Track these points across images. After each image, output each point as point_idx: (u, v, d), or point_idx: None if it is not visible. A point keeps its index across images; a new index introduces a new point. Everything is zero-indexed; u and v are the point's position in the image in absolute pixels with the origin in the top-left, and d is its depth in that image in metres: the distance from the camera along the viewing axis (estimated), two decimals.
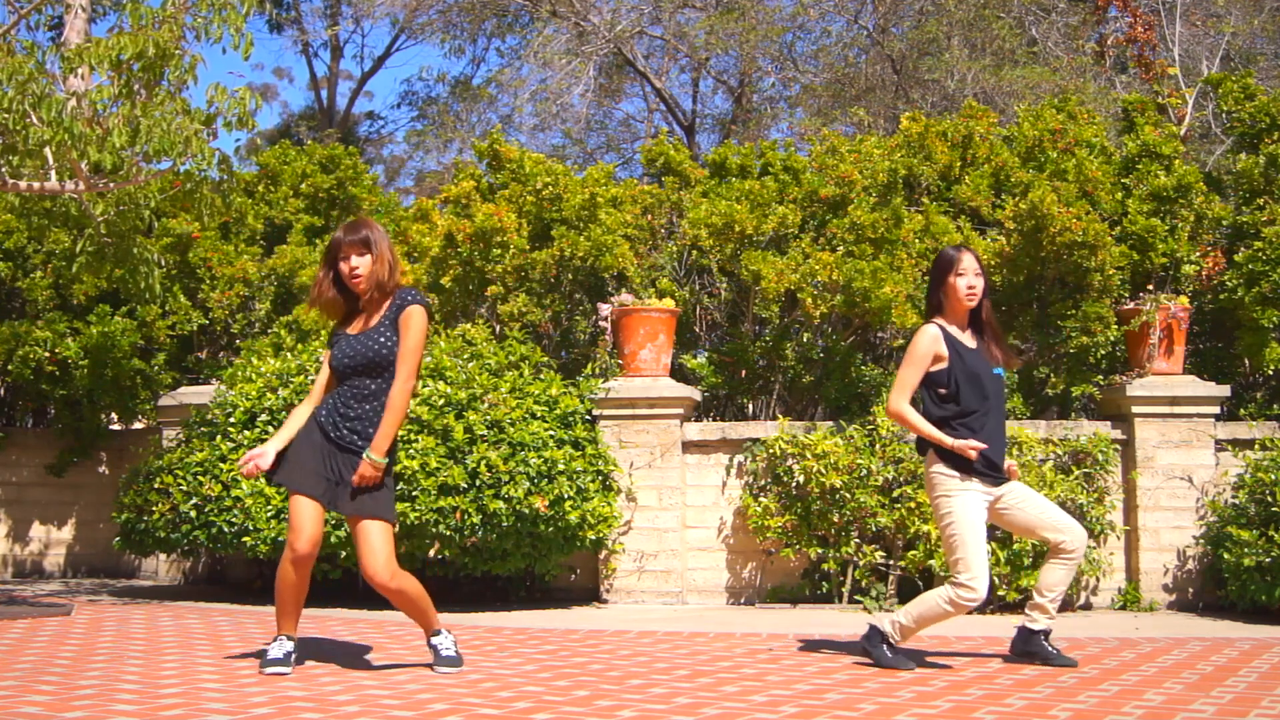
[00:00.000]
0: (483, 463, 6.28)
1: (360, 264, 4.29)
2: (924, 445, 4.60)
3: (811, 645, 5.15)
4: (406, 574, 4.31)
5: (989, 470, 4.51)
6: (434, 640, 4.38)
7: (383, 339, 4.28)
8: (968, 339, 4.63)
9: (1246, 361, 7.65)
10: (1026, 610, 4.74)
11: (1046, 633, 4.69)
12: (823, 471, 6.76)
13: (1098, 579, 7.00)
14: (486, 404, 6.54)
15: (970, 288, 4.55)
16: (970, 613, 4.55)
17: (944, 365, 4.54)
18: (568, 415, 6.85)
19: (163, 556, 8.11)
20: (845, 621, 6.16)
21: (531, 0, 17.45)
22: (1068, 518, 4.62)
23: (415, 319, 4.27)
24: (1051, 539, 4.59)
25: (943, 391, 4.55)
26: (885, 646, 4.53)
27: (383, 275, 4.29)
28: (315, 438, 4.26)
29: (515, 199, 8.01)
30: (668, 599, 7.06)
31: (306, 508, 4.18)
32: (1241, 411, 7.50)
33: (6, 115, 5.49)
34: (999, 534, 6.59)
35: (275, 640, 4.26)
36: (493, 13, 18.99)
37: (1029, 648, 4.69)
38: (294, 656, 4.24)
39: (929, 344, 4.55)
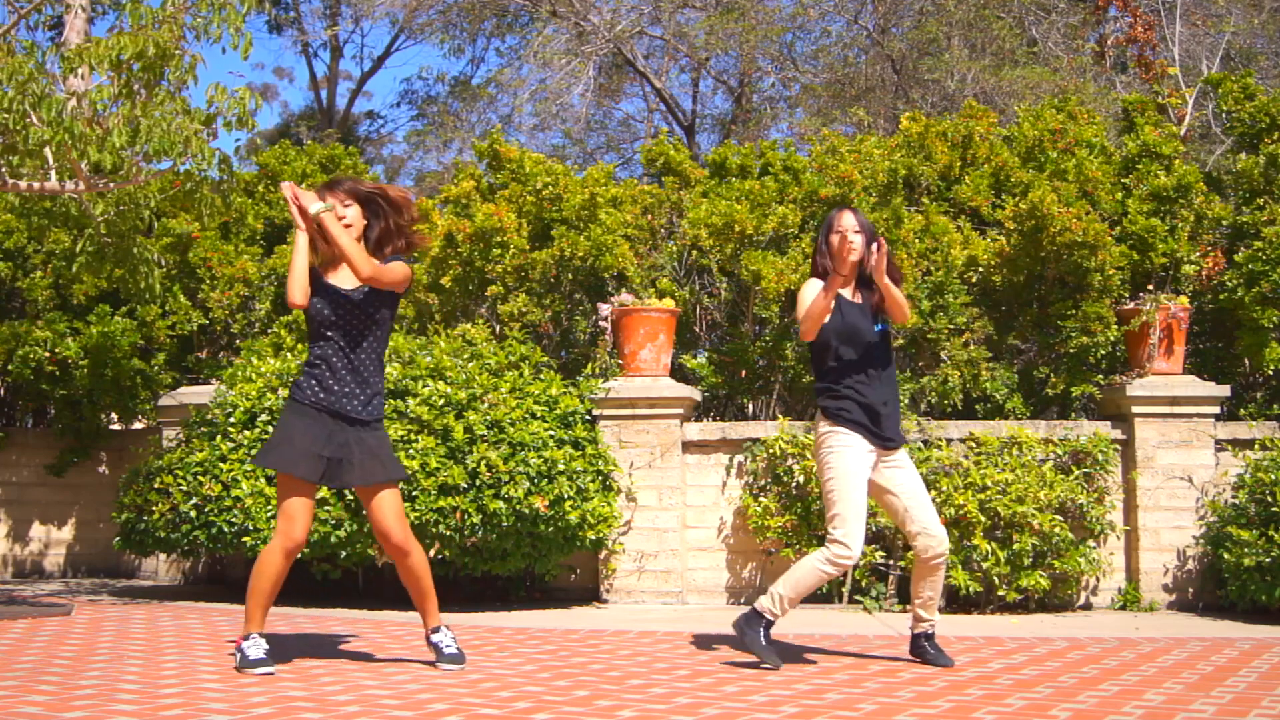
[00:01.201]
0: (483, 463, 6.28)
1: (348, 214, 4.29)
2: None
3: (811, 645, 5.15)
4: (418, 543, 4.35)
5: (874, 428, 4.50)
6: (434, 638, 4.39)
7: (365, 297, 4.26)
8: (851, 295, 4.65)
9: (1246, 361, 7.65)
10: (909, 619, 4.75)
11: (929, 635, 4.69)
12: None
13: (1098, 579, 7.00)
14: (486, 404, 6.54)
15: (847, 241, 4.58)
16: (845, 572, 4.51)
17: (829, 320, 4.55)
18: (568, 415, 6.85)
19: (163, 556, 8.11)
20: (845, 621, 6.16)
21: (531, 0, 17.45)
22: (937, 523, 4.58)
23: (398, 265, 4.27)
24: (913, 531, 4.56)
25: (826, 344, 4.57)
26: (763, 631, 4.47)
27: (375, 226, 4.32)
28: (311, 417, 4.19)
29: (515, 199, 8.01)
30: (668, 599, 7.06)
31: (305, 492, 4.16)
32: (1241, 411, 7.50)
33: (6, 115, 5.48)
34: (999, 534, 6.60)
35: (250, 639, 4.20)
36: (492, 13, 18.99)
37: (920, 650, 4.70)
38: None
39: (809, 292, 4.58)
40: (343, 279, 4.31)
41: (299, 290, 4.23)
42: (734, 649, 4.75)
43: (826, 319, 4.56)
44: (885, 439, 4.55)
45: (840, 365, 4.57)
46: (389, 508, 4.25)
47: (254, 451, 6.51)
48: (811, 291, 4.60)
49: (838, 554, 4.39)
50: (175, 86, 5.89)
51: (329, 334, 4.26)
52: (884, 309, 4.64)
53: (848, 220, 4.62)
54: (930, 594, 4.64)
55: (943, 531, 4.59)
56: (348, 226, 4.27)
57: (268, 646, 4.21)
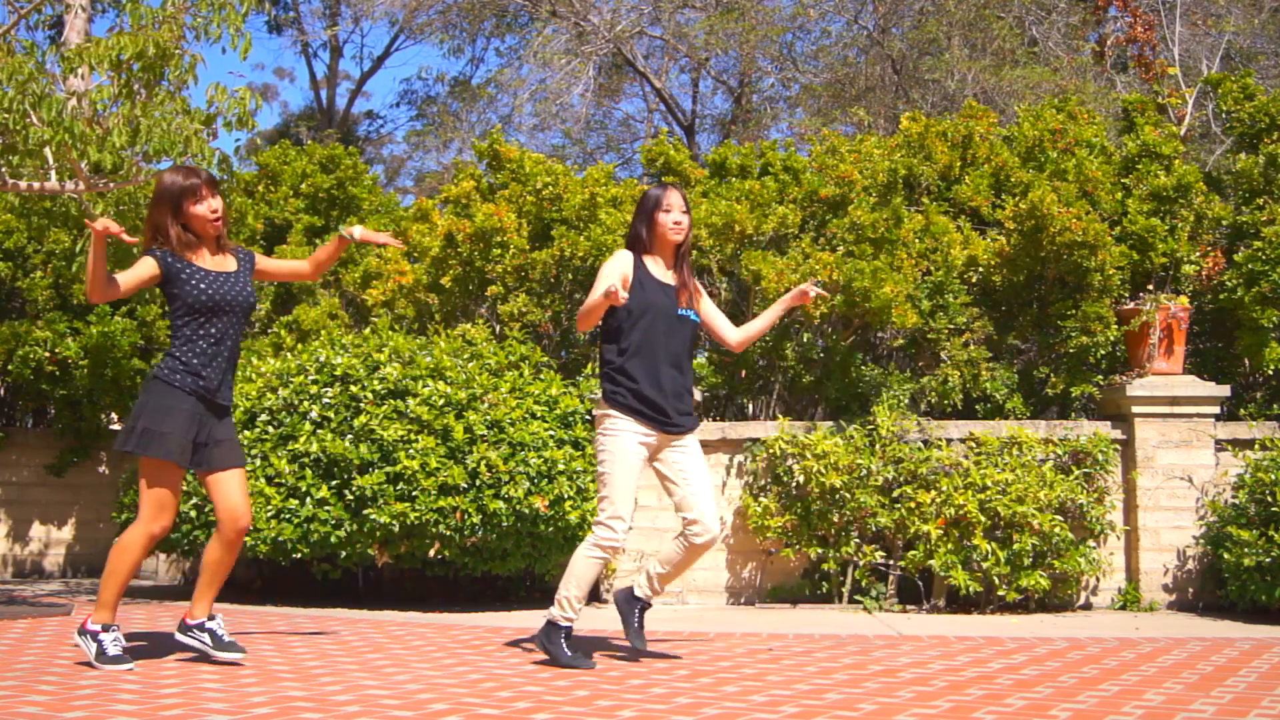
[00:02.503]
0: (483, 463, 6.28)
1: (218, 205, 4.38)
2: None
3: (811, 645, 5.15)
4: None
5: (654, 414, 4.47)
6: (211, 625, 4.39)
7: (250, 287, 4.41)
8: (665, 276, 4.62)
9: (1246, 361, 7.65)
10: (641, 576, 4.71)
11: (646, 605, 4.67)
12: (823, 471, 6.76)
13: (1098, 579, 7.00)
14: (486, 404, 6.54)
15: (676, 223, 4.56)
16: (616, 554, 4.47)
17: (628, 298, 4.48)
18: (568, 415, 6.85)
19: (163, 556, 8.11)
20: (845, 622, 6.16)
21: (531, 0, 17.45)
22: (712, 512, 4.56)
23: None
24: (688, 519, 4.56)
25: (617, 326, 4.52)
26: (564, 641, 4.44)
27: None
28: (188, 406, 4.23)
29: (515, 199, 8.01)
30: (667, 599, 7.06)
31: (179, 480, 4.26)
32: (1241, 411, 7.51)
33: (6, 115, 5.49)
34: (999, 534, 6.60)
35: (111, 633, 4.21)
36: (492, 13, 18.99)
37: (623, 608, 4.67)
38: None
39: (618, 264, 4.52)
40: (210, 264, 4.42)
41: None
42: (547, 665, 4.51)
43: (627, 296, 4.46)
44: (673, 427, 4.52)
45: (633, 345, 4.49)
46: (245, 490, 4.39)
47: (254, 451, 6.52)
48: (612, 269, 4.50)
49: (603, 536, 4.41)
50: (175, 86, 5.89)
51: (222, 318, 4.39)
52: (687, 296, 4.60)
53: (675, 199, 4.58)
54: (675, 572, 4.64)
55: (716, 522, 4.58)
56: (218, 219, 4.39)
57: (126, 643, 4.26)
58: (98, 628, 4.21)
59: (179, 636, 4.42)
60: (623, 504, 4.41)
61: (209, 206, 4.34)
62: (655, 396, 4.47)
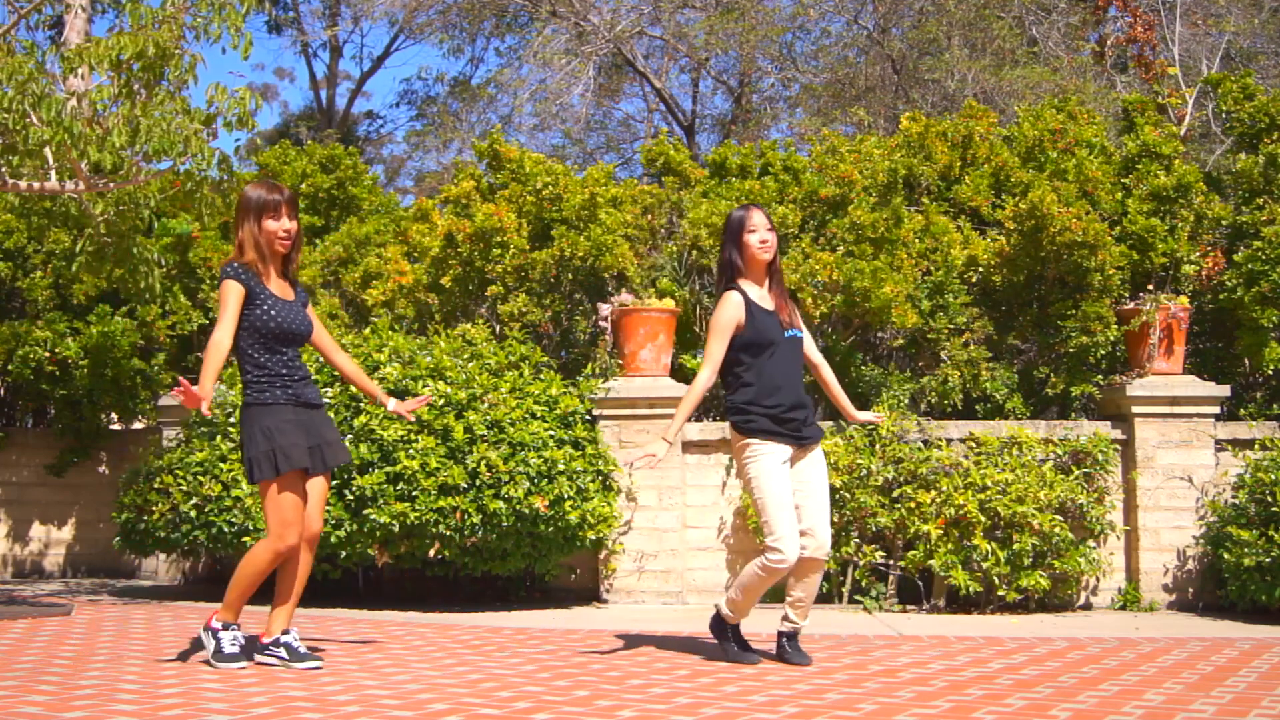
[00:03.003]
0: (483, 463, 6.28)
1: (293, 227, 4.37)
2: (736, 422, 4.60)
3: (811, 645, 5.15)
4: None
5: (788, 430, 4.51)
6: (285, 638, 4.35)
7: (309, 320, 4.44)
8: (766, 301, 4.64)
9: (1246, 361, 7.65)
10: (783, 613, 4.71)
11: (794, 634, 4.68)
12: None
13: (1098, 579, 7.00)
14: (486, 404, 6.54)
15: (763, 242, 4.59)
16: (785, 575, 4.51)
17: (741, 333, 4.55)
18: (568, 415, 6.85)
19: (163, 556, 8.11)
20: (845, 621, 6.16)
21: (531, 0, 17.44)
22: (826, 528, 4.56)
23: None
24: (801, 530, 4.53)
25: (737, 360, 4.57)
26: (733, 642, 4.61)
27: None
28: (290, 415, 4.25)
29: (515, 199, 8.01)
30: (668, 599, 7.06)
31: (302, 488, 4.27)
32: (1241, 411, 7.50)
33: (6, 115, 5.49)
34: (999, 534, 6.60)
35: (230, 631, 4.28)
36: (492, 13, 18.98)
37: (776, 648, 4.70)
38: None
39: (733, 311, 4.56)
40: (277, 290, 4.42)
41: None
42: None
43: (741, 333, 4.56)
44: (802, 440, 4.57)
45: (757, 374, 4.55)
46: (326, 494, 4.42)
47: None
48: (731, 311, 4.55)
49: (772, 560, 4.43)
50: (175, 86, 5.89)
51: (289, 345, 4.42)
52: (790, 316, 4.66)
53: (759, 218, 4.62)
54: (802, 595, 4.62)
55: (828, 539, 4.58)
56: (287, 240, 4.39)
57: (244, 643, 4.29)
58: (219, 625, 4.27)
59: (258, 657, 4.38)
60: (786, 525, 4.43)
61: (283, 225, 4.34)
62: (785, 415, 4.53)
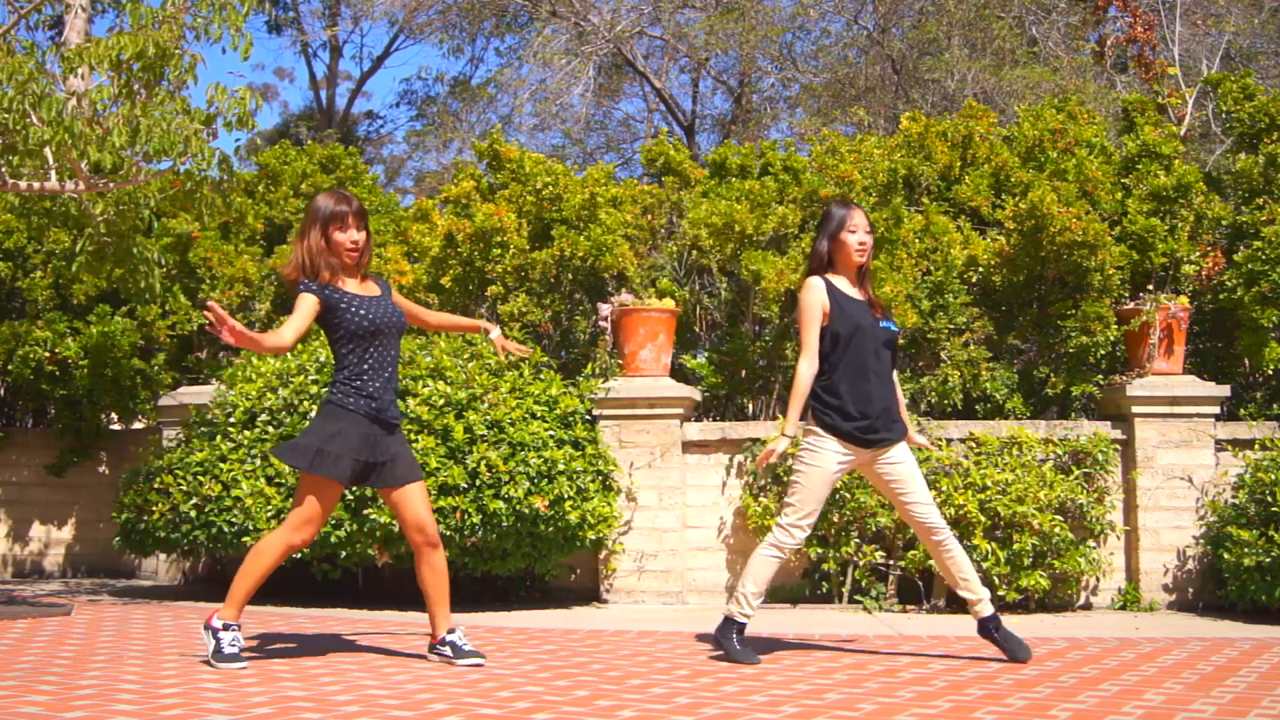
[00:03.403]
0: (483, 463, 6.28)
1: (360, 238, 4.42)
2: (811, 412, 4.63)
3: (811, 645, 5.15)
4: None
5: (860, 434, 4.51)
6: (450, 637, 4.47)
7: (398, 309, 4.49)
8: (855, 294, 4.66)
9: (1246, 361, 7.65)
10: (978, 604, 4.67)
11: (995, 620, 4.65)
12: None
13: (1098, 579, 7.00)
14: (486, 404, 6.54)
15: (861, 244, 4.60)
16: (792, 554, 4.58)
17: (826, 322, 4.58)
18: (568, 415, 6.85)
19: (163, 556, 8.11)
20: (845, 621, 6.16)
21: (531, 0, 17.44)
22: (936, 511, 4.59)
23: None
24: (919, 521, 4.59)
25: (826, 348, 4.58)
26: (735, 637, 4.60)
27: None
28: (362, 428, 4.29)
29: (515, 199, 8.01)
30: (668, 599, 7.06)
31: (335, 499, 4.31)
32: (1241, 411, 7.50)
33: (6, 115, 5.48)
34: (999, 534, 6.60)
35: (231, 631, 4.29)
36: (492, 13, 18.97)
37: (994, 638, 4.67)
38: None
39: (817, 295, 4.56)
40: (356, 289, 4.47)
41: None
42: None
43: (826, 321, 4.59)
44: (883, 440, 4.58)
45: (844, 364, 4.56)
46: (428, 503, 4.46)
47: (254, 451, 6.52)
48: (815, 296, 4.57)
49: (781, 539, 4.53)
50: (175, 86, 5.89)
51: (385, 339, 4.46)
52: (880, 308, 4.68)
53: (860, 219, 4.64)
54: (970, 569, 4.58)
55: (941, 521, 4.62)
56: (356, 251, 4.45)
57: (244, 644, 4.34)
58: (219, 625, 4.29)
59: (429, 655, 4.54)
60: (808, 514, 4.52)
61: (350, 237, 4.38)
62: (862, 416, 4.53)
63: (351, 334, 4.34)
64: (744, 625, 4.65)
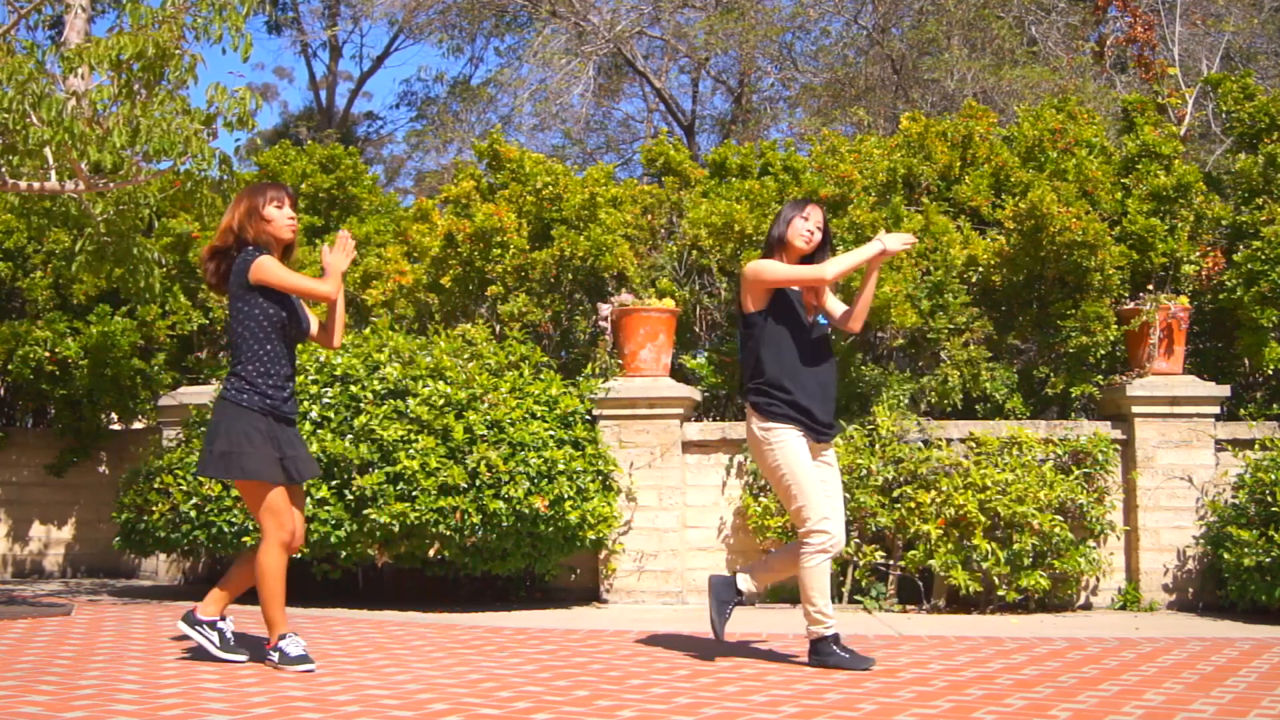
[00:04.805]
0: (483, 463, 6.27)
1: (294, 215, 4.38)
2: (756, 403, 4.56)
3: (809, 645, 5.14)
4: None
5: (810, 422, 4.49)
6: (222, 624, 4.41)
7: (308, 315, 4.44)
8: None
9: (1246, 361, 7.65)
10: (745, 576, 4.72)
11: (740, 600, 4.69)
12: None
13: (1098, 579, 7.00)
14: (486, 404, 6.54)
15: (809, 233, 4.61)
16: (837, 555, 4.50)
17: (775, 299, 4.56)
18: (568, 415, 6.85)
19: (163, 556, 8.10)
20: (845, 621, 6.16)
21: (531, 0, 17.44)
22: (842, 523, 4.55)
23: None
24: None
25: (761, 339, 4.55)
26: (835, 648, 4.48)
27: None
28: (264, 425, 4.21)
29: (515, 199, 8.01)
30: (668, 599, 7.06)
31: (280, 489, 4.26)
32: (1241, 411, 7.50)
33: (6, 115, 5.48)
34: (999, 534, 6.60)
35: (287, 638, 4.25)
36: (491, 13, 18.98)
37: (717, 595, 4.74)
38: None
39: (772, 262, 4.56)
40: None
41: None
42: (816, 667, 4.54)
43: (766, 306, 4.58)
44: (825, 434, 4.55)
45: (785, 353, 4.54)
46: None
47: None
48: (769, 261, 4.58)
49: (817, 543, 4.42)
50: (175, 86, 5.89)
51: (293, 342, 4.39)
52: (816, 302, 4.65)
53: (814, 212, 4.65)
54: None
55: (843, 529, 4.56)
56: (293, 225, 4.41)
57: (305, 642, 4.31)
58: (274, 642, 4.24)
59: (181, 624, 4.44)
60: (819, 506, 4.42)
61: (288, 214, 4.34)
62: (810, 405, 4.50)
63: (260, 323, 4.25)
64: (836, 635, 4.49)
